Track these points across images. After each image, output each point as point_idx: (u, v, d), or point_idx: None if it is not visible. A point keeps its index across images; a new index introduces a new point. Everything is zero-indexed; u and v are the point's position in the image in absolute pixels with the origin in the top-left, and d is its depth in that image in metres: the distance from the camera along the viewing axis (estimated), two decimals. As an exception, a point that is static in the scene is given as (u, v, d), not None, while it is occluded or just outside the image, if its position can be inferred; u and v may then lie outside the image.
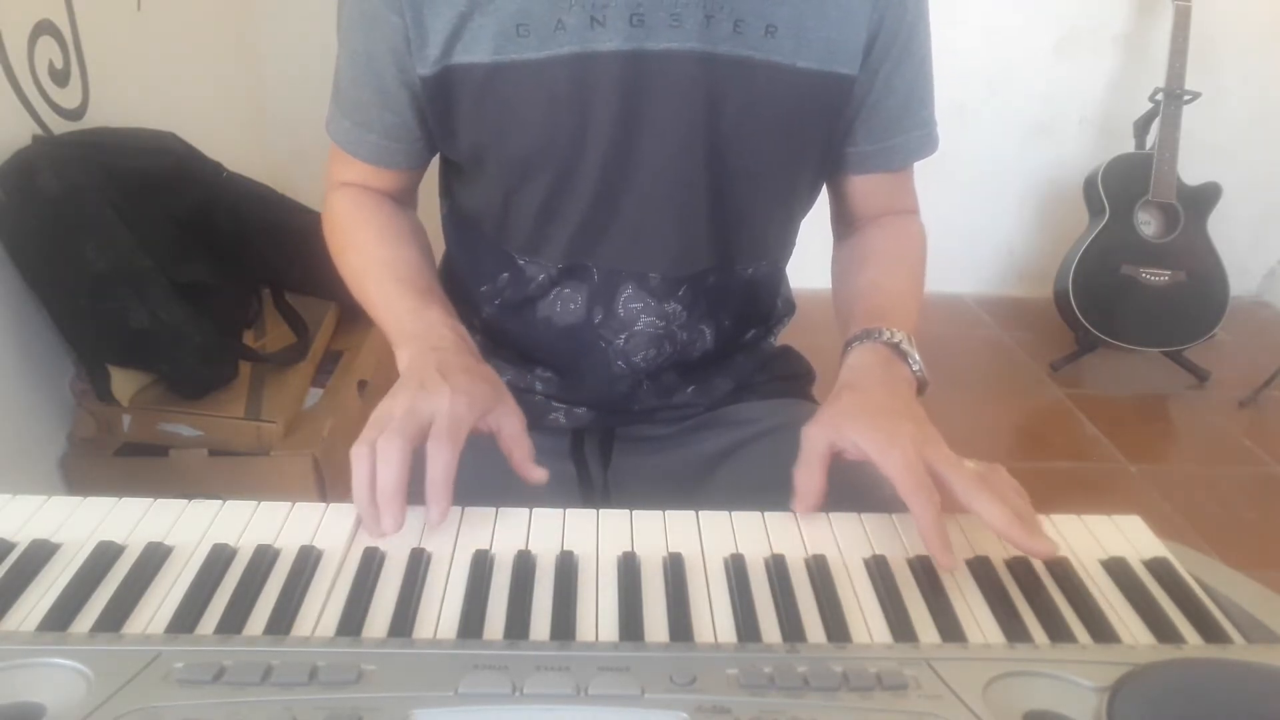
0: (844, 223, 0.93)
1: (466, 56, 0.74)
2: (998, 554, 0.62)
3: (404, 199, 0.90)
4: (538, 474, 0.67)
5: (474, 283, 0.91)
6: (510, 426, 0.69)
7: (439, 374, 0.67)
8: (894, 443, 0.63)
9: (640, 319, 0.85)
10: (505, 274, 0.88)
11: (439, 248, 0.96)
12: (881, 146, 0.85)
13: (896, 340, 0.75)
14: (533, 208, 0.81)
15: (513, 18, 0.73)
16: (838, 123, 0.82)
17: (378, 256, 0.83)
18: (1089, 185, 2.54)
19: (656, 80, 0.74)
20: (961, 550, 0.62)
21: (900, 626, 0.55)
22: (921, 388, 0.75)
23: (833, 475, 0.66)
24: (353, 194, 0.87)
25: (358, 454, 0.61)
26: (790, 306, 1.00)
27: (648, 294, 0.84)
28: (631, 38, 0.73)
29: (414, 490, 0.61)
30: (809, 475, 0.66)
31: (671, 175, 0.78)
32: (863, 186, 0.88)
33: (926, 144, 0.87)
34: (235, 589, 0.55)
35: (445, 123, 0.79)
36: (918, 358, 0.75)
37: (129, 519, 0.62)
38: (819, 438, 0.67)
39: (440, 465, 0.61)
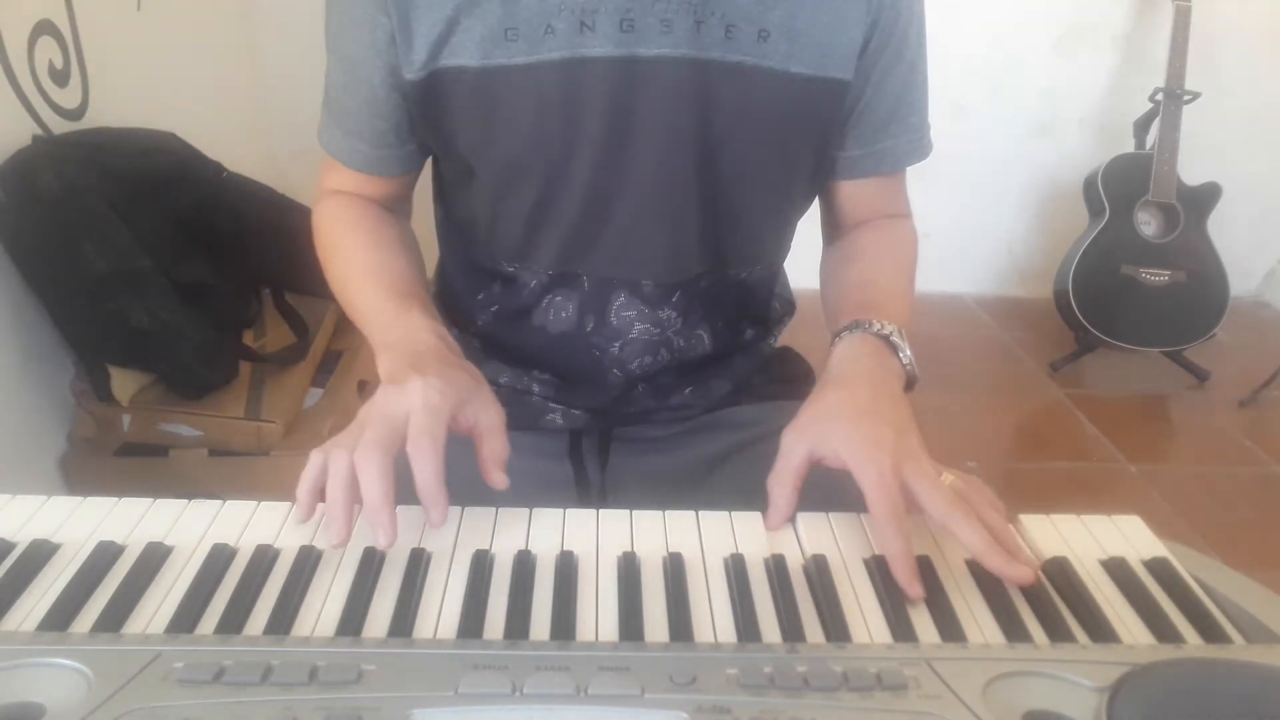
0: (834, 227, 0.92)
1: (454, 60, 0.73)
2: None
3: (396, 206, 0.90)
4: (499, 479, 0.65)
5: (469, 290, 0.91)
6: (487, 420, 0.66)
7: (411, 369, 0.65)
8: (872, 458, 0.62)
9: (635, 327, 0.85)
10: (497, 282, 0.88)
11: (434, 254, 0.95)
12: (869, 151, 0.84)
13: (887, 332, 0.74)
14: (521, 215, 0.81)
15: (501, 22, 0.72)
16: (832, 127, 0.81)
17: (362, 262, 0.82)
18: (1089, 185, 2.54)
19: (648, 86, 0.73)
20: (962, 549, 0.62)
21: (900, 626, 0.55)
22: (911, 383, 0.74)
23: (816, 475, 0.66)
24: (341, 201, 0.86)
25: (335, 460, 0.59)
26: (790, 306, 1.00)
27: (641, 301, 0.84)
28: (622, 43, 0.72)
29: (407, 490, 0.60)
30: (781, 490, 0.65)
31: (663, 182, 0.78)
32: (853, 192, 0.88)
33: (917, 149, 0.86)
34: (235, 589, 0.55)
35: (437, 128, 0.79)
36: (909, 351, 0.74)
37: (129, 519, 0.62)
38: (797, 446, 0.66)
39: (426, 470, 0.59)
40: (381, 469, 0.58)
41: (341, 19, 0.77)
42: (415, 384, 0.63)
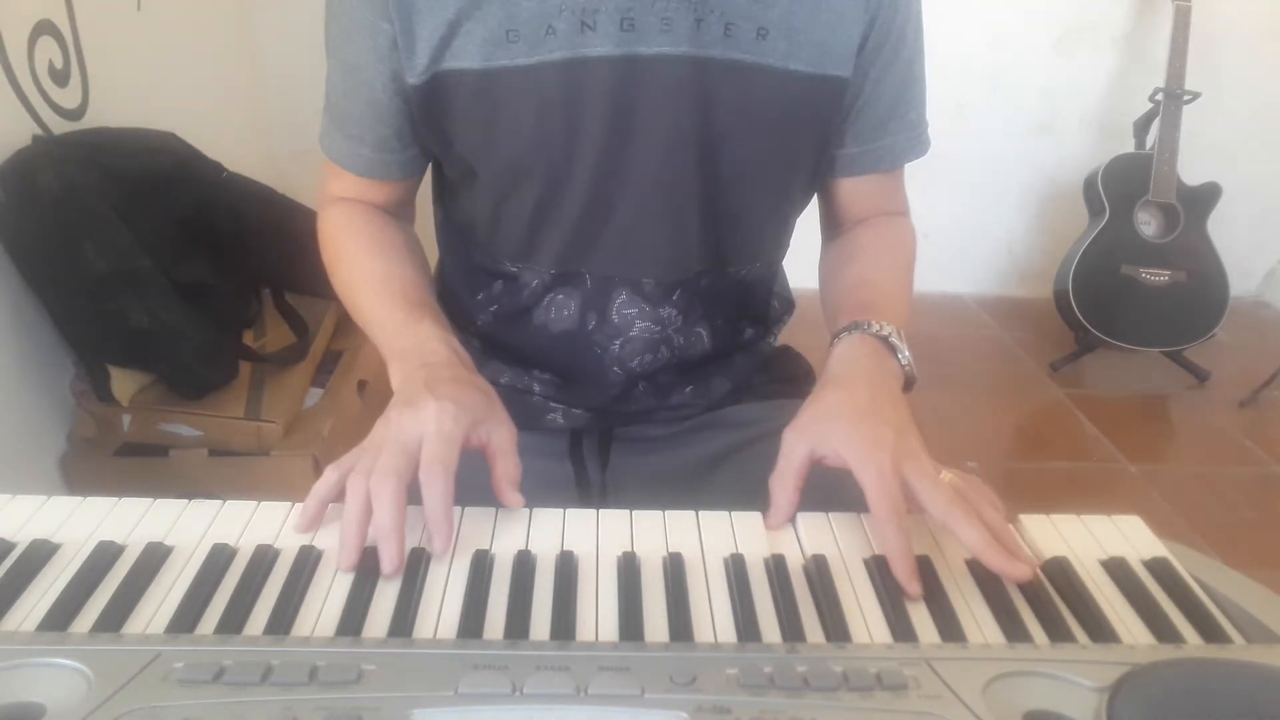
0: (833, 225, 0.92)
1: (456, 63, 0.73)
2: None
3: (399, 211, 0.90)
4: (513, 498, 0.65)
5: (468, 291, 0.91)
6: (500, 439, 0.67)
7: (425, 389, 0.65)
8: (872, 457, 0.62)
9: (635, 324, 0.85)
10: (499, 282, 0.88)
11: (434, 256, 0.95)
12: (869, 148, 0.84)
13: (885, 333, 0.74)
14: (524, 214, 0.81)
15: (502, 24, 0.72)
16: (831, 125, 0.81)
17: (369, 270, 0.82)
18: (1089, 185, 2.54)
19: (648, 85, 0.73)
20: (961, 549, 0.62)
21: (900, 626, 0.55)
22: (909, 384, 0.74)
23: (816, 475, 0.66)
24: (346, 208, 0.87)
25: (353, 487, 0.60)
26: (789, 305, 1.00)
27: (642, 299, 0.84)
28: (623, 42, 0.72)
29: (414, 490, 0.61)
30: (783, 489, 0.65)
31: (663, 180, 0.78)
32: (851, 189, 0.88)
33: (915, 146, 0.86)
34: (235, 589, 0.55)
35: (438, 131, 0.79)
36: (907, 353, 0.74)
37: (129, 519, 0.62)
38: (798, 445, 0.67)
39: (434, 498, 0.60)
40: (394, 497, 0.59)
41: (342, 24, 0.77)
42: (430, 408, 0.64)
